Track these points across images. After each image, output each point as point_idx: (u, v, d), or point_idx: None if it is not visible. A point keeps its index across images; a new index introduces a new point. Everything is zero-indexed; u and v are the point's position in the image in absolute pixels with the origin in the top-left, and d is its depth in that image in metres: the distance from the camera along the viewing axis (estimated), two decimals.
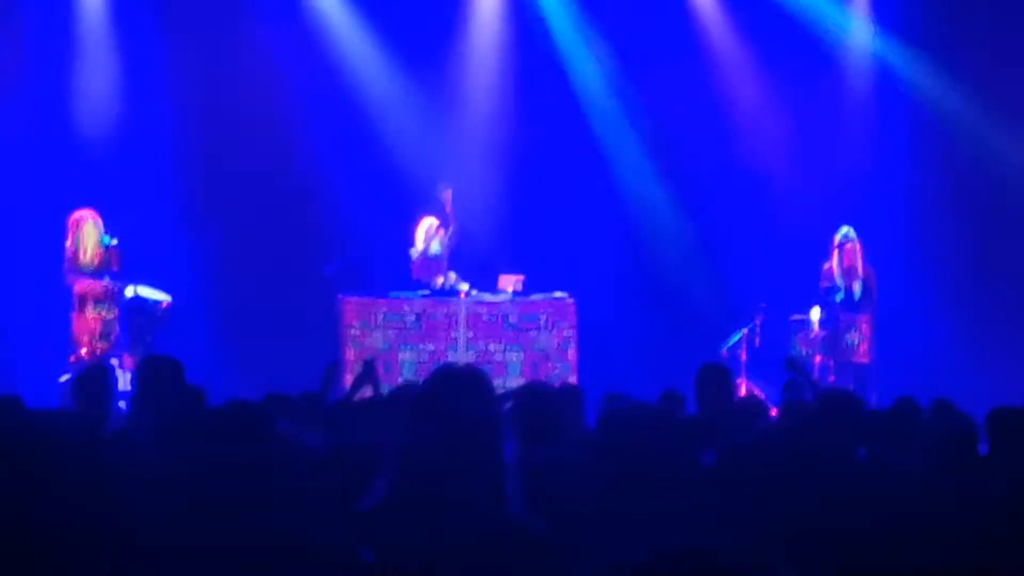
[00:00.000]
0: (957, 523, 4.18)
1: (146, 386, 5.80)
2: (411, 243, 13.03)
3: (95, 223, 11.85)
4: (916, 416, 6.22)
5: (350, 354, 12.34)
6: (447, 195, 12.92)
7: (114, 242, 11.85)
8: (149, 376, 5.87)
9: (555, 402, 4.93)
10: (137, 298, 12.25)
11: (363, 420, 5.65)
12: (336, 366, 7.70)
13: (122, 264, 11.90)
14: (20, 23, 13.47)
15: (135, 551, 3.35)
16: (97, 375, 6.41)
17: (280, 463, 3.72)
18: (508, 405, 5.40)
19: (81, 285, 11.76)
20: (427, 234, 12.97)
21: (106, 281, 11.82)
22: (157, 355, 7.46)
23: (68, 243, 11.78)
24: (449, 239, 12.96)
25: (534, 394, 4.79)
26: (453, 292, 12.77)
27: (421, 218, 13.05)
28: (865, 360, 12.51)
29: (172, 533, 3.30)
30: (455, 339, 12.64)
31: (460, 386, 3.07)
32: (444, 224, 12.98)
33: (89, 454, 4.00)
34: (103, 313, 11.83)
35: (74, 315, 11.80)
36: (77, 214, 11.85)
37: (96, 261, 11.80)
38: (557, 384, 8.34)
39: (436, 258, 12.96)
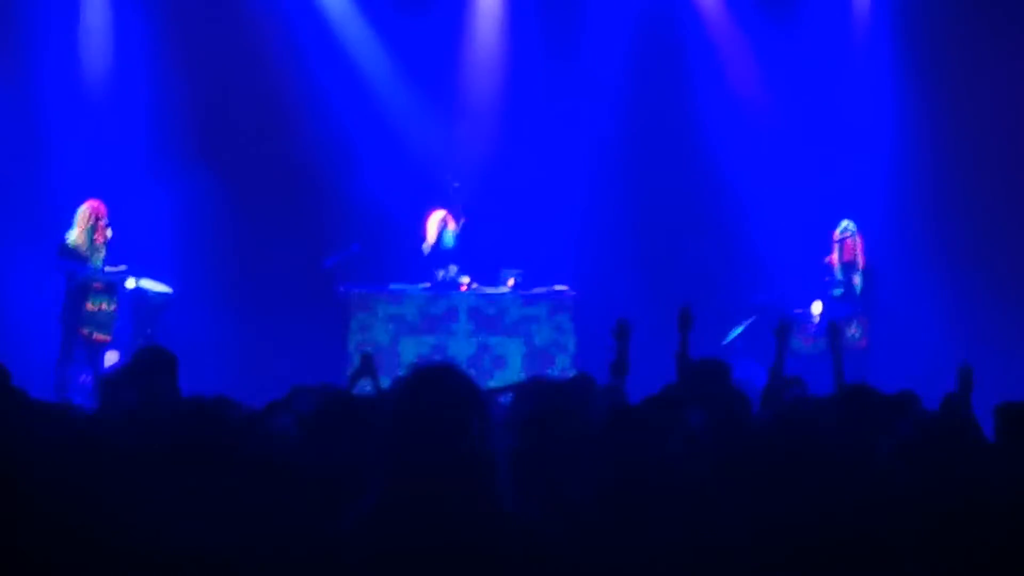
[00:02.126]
0: (962, 519, 4.17)
1: (138, 377, 5.79)
2: (418, 236, 13.01)
3: (90, 213, 11.89)
4: (916, 410, 6.21)
5: (351, 347, 12.35)
6: (458, 189, 12.96)
7: (101, 233, 11.88)
8: (142, 367, 5.86)
9: (558, 397, 4.88)
10: (139, 290, 12.28)
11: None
12: (369, 358, 7.52)
13: (107, 257, 11.92)
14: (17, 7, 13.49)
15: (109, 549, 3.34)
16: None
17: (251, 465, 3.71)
18: (508, 397, 5.39)
19: (81, 275, 11.79)
20: (438, 227, 12.97)
21: (103, 273, 11.85)
22: (152, 346, 7.45)
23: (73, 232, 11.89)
24: (459, 232, 12.96)
25: (537, 389, 4.73)
26: (454, 285, 12.77)
27: (430, 211, 13.05)
28: (863, 344, 12.50)
29: (142, 530, 3.30)
30: (456, 332, 12.65)
31: (433, 387, 3.05)
32: (455, 217, 12.99)
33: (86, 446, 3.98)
34: (104, 305, 11.84)
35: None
36: (84, 204, 11.94)
37: (82, 249, 11.84)
38: (559, 377, 8.33)
39: (449, 251, 12.96)
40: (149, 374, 5.71)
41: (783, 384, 6.89)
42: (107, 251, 11.95)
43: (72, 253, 11.82)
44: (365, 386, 7.25)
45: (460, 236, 12.98)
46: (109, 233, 11.94)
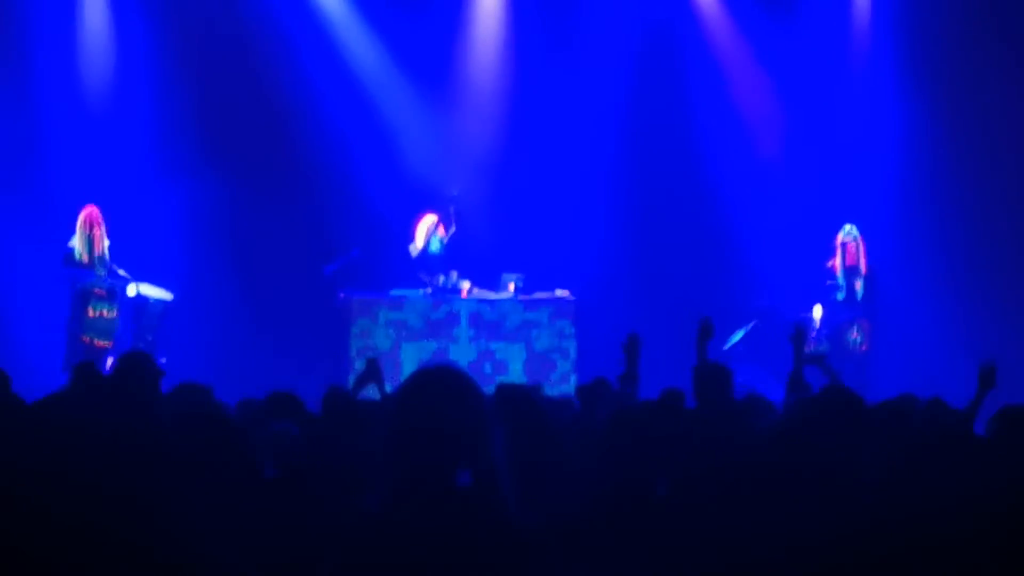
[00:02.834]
0: (961, 524, 4.15)
1: (122, 380, 5.79)
2: (412, 240, 13.02)
3: (84, 221, 11.92)
4: (914, 413, 6.20)
5: (352, 352, 12.36)
6: (454, 198, 12.96)
7: (99, 243, 11.90)
8: (125, 371, 5.86)
9: (536, 405, 4.85)
10: (139, 296, 12.28)
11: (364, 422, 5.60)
12: (375, 363, 7.38)
13: (108, 266, 11.94)
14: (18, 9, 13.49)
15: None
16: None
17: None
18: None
19: (82, 282, 11.83)
20: (427, 231, 12.96)
21: (104, 281, 11.87)
22: (137, 352, 7.45)
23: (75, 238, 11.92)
24: (448, 239, 12.95)
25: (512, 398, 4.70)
26: (455, 290, 12.77)
27: (422, 215, 13.05)
28: (864, 348, 12.48)
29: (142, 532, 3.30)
30: (457, 337, 12.65)
31: (435, 389, 3.04)
32: (445, 223, 12.97)
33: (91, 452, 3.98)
34: (105, 311, 11.86)
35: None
36: (83, 211, 11.97)
37: (85, 259, 11.88)
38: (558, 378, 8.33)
39: (435, 256, 12.95)
40: (128, 380, 5.72)
41: (803, 391, 6.85)
42: (109, 258, 11.98)
43: (75, 261, 11.86)
44: (370, 391, 7.24)
45: (448, 244, 12.95)
46: (107, 243, 11.97)
